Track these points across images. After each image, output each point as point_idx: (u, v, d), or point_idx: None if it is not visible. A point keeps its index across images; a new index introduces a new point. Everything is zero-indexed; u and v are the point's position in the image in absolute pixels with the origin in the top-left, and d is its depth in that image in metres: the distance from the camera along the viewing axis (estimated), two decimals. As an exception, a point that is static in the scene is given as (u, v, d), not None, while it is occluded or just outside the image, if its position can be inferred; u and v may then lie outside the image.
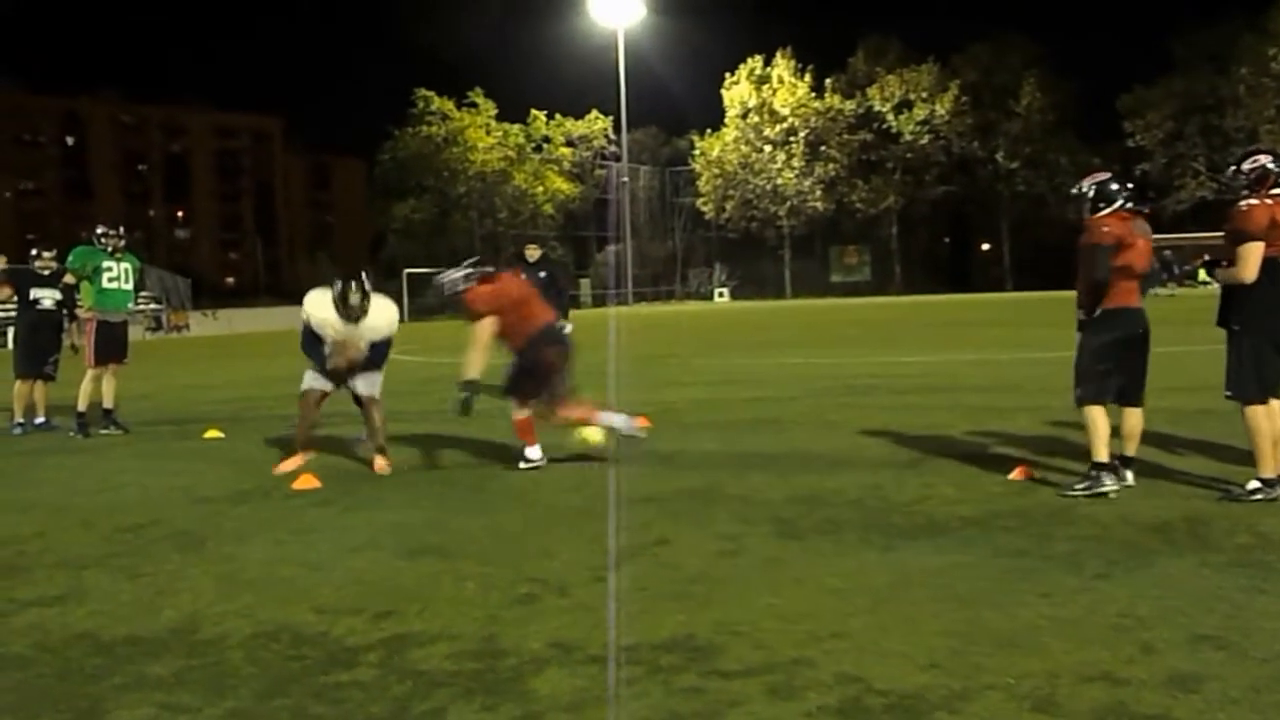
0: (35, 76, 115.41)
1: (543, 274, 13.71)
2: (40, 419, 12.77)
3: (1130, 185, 7.63)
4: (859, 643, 4.48)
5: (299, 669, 4.42)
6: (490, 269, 9.55)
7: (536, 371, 8.95)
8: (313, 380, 9.41)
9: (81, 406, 12.12)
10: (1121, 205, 7.44)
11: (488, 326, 8.85)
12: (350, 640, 4.75)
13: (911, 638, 4.52)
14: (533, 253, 14.34)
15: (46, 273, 12.91)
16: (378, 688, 4.19)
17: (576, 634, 4.71)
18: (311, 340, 9.27)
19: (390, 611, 5.13)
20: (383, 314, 9.36)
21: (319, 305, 9.20)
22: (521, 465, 8.94)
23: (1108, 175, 7.63)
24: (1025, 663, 4.19)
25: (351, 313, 9.06)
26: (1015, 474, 7.88)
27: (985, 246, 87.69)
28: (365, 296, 9.11)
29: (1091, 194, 7.51)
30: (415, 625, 4.93)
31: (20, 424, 12.59)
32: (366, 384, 9.37)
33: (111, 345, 12.27)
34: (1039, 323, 30.07)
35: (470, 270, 9.28)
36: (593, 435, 9.36)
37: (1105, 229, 7.29)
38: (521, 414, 9.02)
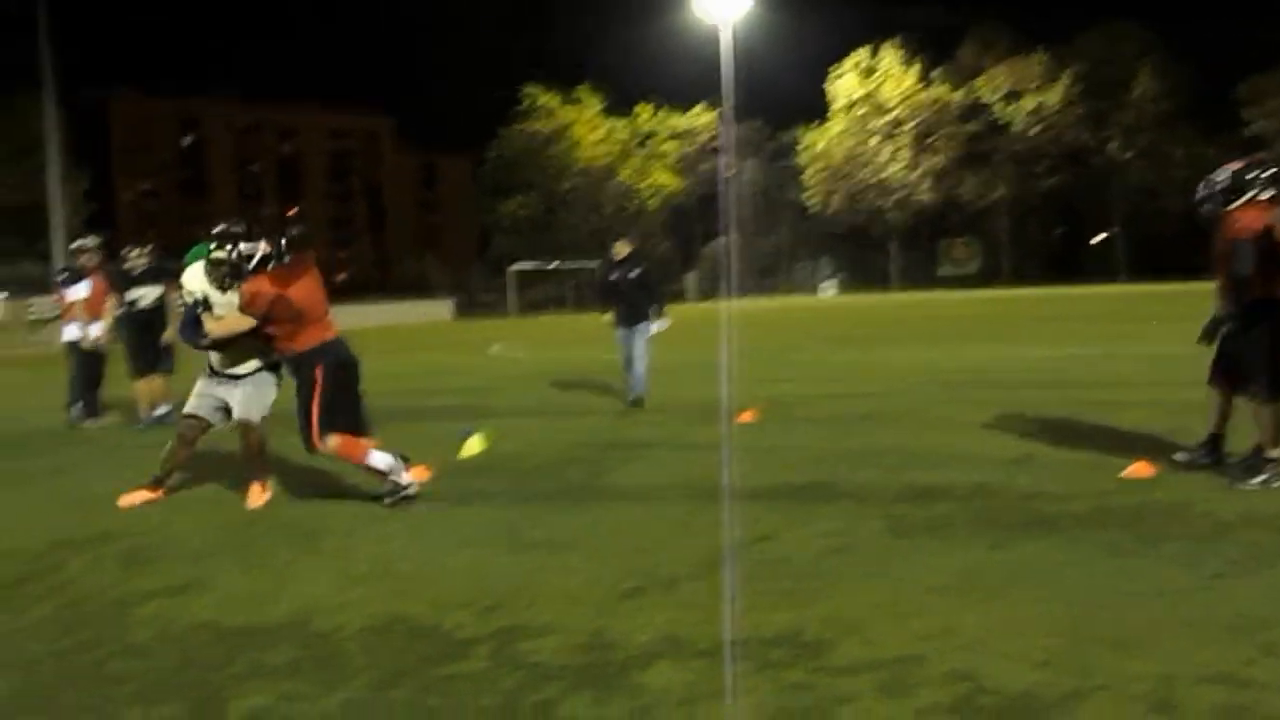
0: (153, 80, 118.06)
1: (632, 273, 13.12)
2: (161, 409, 12.69)
3: (1273, 172, 7.37)
4: (969, 641, 4.44)
5: (412, 660, 4.50)
6: (266, 252, 7.77)
7: (326, 396, 7.62)
8: (195, 406, 8.15)
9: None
10: (1257, 194, 7.25)
11: (243, 324, 7.65)
12: (461, 633, 4.82)
13: (1022, 636, 4.47)
14: (621, 249, 13.35)
15: (137, 271, 12.90)
16: (489, 680, 4.26)
17: (684, 629, 4.73)
18: (191, 324, 7.89)
19: (499, 605, 5.20)
20: None
21: (194, 277, 8.03)
22: (394, 497, 7.61)
23: (1244, 163, 7.42)
24: (1140, 663, 4.12)
25: (218, 274, 7.82)
26: (1131, 470, 7.71)
27: (1100, 237, 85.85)
28: (240, 256, 7.72)
29: (1227, 184, 7.32)
30: (524, 618, 4.98)
31: (156, 416, 12.67)
32: (243, 403, 8.12)
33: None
34: (1152, 316, 29.39)
35: (233, 261, 7.71)
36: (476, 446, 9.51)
37: (1240, 224, 7.11)
38: (359, 446, 7.69)
